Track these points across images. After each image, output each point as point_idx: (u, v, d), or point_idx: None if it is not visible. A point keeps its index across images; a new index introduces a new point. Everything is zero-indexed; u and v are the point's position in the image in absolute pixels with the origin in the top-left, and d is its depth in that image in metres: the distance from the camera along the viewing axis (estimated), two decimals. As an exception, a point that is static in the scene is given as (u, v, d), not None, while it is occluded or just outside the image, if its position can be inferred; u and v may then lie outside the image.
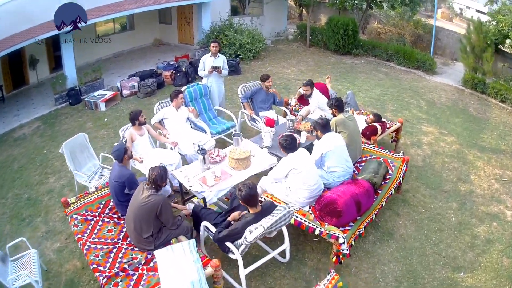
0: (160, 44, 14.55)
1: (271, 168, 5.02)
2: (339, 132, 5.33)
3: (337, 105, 5.48)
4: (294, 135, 4.77)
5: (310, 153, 4.79)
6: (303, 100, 7.09)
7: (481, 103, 10.05)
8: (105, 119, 8.78)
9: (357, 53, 13.62)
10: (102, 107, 9.27)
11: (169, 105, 6.27)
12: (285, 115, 7.34)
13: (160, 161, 5.63)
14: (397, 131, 6.85)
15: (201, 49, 12.49)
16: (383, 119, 6.68)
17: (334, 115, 5.57)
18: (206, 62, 7.10)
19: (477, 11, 22.57)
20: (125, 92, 9.93)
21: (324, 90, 7.11)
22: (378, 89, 10.58)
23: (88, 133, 7.23)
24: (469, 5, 22.85)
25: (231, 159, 4.90)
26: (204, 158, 4.85)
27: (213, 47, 7.02)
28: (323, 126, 4.88)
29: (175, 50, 13.54)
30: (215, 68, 6.95)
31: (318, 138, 4.97)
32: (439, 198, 5.91)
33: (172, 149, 5.87)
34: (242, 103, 6.92)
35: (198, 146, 5.95)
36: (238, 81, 10.73)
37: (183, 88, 6.76)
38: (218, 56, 7.17)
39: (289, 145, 4.47)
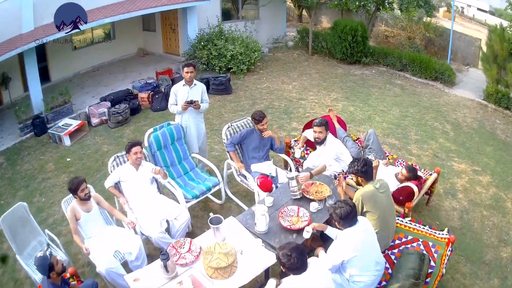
0: (145, 54, 12.91)
1: (267, 273, 3.44)
2: (365, 212, 3.72)
3: (365, 172, 3.79)
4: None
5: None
6: (311, 143, 5.44)
7: (506, 122, 8.84)
8: (68, 159, 7.19)
9: (367, 62, 11.97)
10: (67, 141, 7.68)
11: (128, 161, 4.64)
12: (286, 165, 5.69)
13: (115, 247, 4.09)
14: (432, 183, 5.24)
15: (187, 61, 10.86)
16: (418, 173, 5.03)
17: (358, 184, 3.94)
18: (179, 94, 5.36)
19: (479, 9, 21.26)
20: (94, 120, 8.32)
21: (331, 129, 5.44)
22: (396, 109, 8.96)
23: (48, 178, 6.44)
24: (470, 3, 21.56)
25: (207, 266, 3.31)
26: (165, 266, 3.26)
27: (186, 72, 5.23)
28: (344, 217, 3.25)
29: (160, 62, 11.91)
30: (191, 102, 5.24)
31: (339, 223, 3.34)
32: (481, 276, 4.47)
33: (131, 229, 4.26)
34: (227, 152, 5.27)
35: (167, 222, 4.39)
36: (229, 102, 9.12)
37: (147, 134, 5.13)
38: (195, 84, 5.41)
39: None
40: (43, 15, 8.39)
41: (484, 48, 10.44)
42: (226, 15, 12.67)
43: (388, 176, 4.87)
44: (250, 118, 5.38)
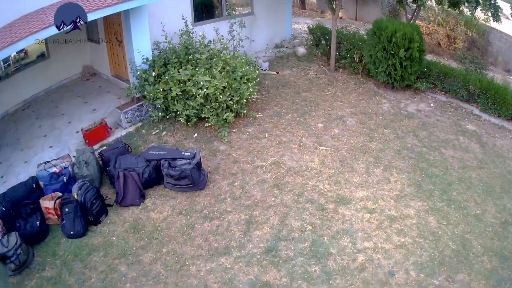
0: (92, 75, 8.58)
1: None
2: None
3: None
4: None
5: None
6: None
7: None
8: None
9: (419, 88, 7.81)
10: None
11: None
12: None
13: None
14: None
15: (131, 107, 6.69)
16: None
17: None
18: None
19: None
20: None
21: None
22: (490, 205, 5.18)
23: None
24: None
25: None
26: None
27: None
28: None
29: (103, 93, 7.68)
30: None
31: None
32: None
33: None
34: None
35: None
36: (199, 220, 5.06)
37: None
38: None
39: None
40: None
41: None
42: (201, 12, 8.22)
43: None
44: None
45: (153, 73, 6.49)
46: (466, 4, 7.84)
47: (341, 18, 14.25)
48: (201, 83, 6.06)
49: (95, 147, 6.06)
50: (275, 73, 8.38)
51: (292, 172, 5.64)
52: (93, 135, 6.12)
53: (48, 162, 5.44)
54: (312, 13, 15.00)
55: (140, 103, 6.75)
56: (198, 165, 5.19)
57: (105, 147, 5.95)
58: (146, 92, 6.42)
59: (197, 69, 6.27)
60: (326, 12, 14.85)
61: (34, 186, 5.04)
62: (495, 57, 12.14)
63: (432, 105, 7.56)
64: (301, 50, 9.24)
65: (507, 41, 11.15)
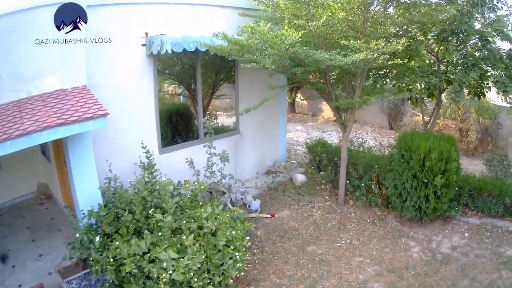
0: (46, 198, 6.99)
1: None
2: None
3: None
4: None
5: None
6: None
7: None
8: None
9: (452, 216, 6.22)
10: None
11: None
12: None
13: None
14: None
15: (77, 275, 4.67)
16: None
17: None
18: None
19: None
20: None
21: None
22: None
23: None
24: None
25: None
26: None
27: None
28: None
29: (58, 227, 6.00)
30: None
31: None
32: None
33: None
34: None
35: None
36: None
37: None
38: None
39: None
40: None
41: None
42: (172, 132, 6.41)
43: None
44: None
45: (98, 238, 4.37)
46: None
47: (329, 119, 13.02)
48: (167, 260, 3.94)
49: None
50: (270, 216, 6.39)
51: None
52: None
53: None
54: (302, 117, 13.81)
55: (88, 270, 4.75)
56: None
57: None
58: (92, 260, 4.33)
59: (158, 240, 4.16)
60: (318, 115, 13.54)
61: None
62: (506, 140, 10.69)
63: (466, 234, 5.95)
64: (300, 178, 7.43)
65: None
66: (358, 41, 4.97)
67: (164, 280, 4.01)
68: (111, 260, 4.26)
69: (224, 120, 7.36)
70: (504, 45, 6.32)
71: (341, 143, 6.95)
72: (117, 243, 4.28)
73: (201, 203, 5.01)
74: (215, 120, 7.17)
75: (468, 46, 6.41)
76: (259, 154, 7.79)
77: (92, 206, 4.69)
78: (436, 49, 6.85)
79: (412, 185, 5.74)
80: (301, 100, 14.40)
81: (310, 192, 7.21)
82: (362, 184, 6.68)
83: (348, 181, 6.83)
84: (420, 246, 5.70)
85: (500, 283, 4.90)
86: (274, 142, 8.16)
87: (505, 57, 6.16)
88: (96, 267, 4.38)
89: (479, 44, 6.19)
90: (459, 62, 6.49)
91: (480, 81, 6.52)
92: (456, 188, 6.10)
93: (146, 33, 5.54)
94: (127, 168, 5.36)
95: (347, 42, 5.00)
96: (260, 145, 7.77)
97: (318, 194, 7.17)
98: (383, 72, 7.10)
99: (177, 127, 6.70)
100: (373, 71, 6.93)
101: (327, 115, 13.35)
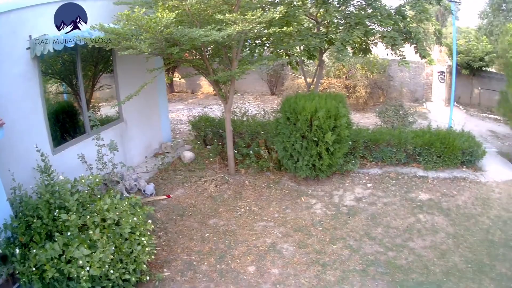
0: None
1: None
2: None
3: None
4: None
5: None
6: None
7: None
8: None
9: (350, 169, 6.80)
10: None
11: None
12: None
13: None
14: None
15: None
16: None
17: None
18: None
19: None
20: None
21: None
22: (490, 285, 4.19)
23: None
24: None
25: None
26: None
27: None
28: None
29: None
30: None
31: None
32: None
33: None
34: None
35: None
36: None
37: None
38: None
39: None
40: None
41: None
42: (61, 131, 6.35)
43: None
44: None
45: (17, 250, 4.41)
46: (391, 45, 6.71)
47: (209, 93, 13.39)
48: (80, 261, 4.26)
49: None
50: (165, 197, 6.41)
51: None
52: None
53: None
54: (182, 95, 13.69)
55: (18, 284, 4.54)
56: None
57: None
58: (18, 273, 4.31)
59: (69, 240, 4.42)
60: (198, 91, 13.96)
61: None
62: (399, 90, 11.73)
63: (369, 185, 6.48)
64: (188, 155, 7.47)
65: (411, 68, 9.63)
66: (234, 14, 5.10)
67: (84, 278, 4.27)
68: (34, 269, 4.28)
69: (108, 110, 7.37)
70: (392, 2, 6.74)
71: (224, 115, 7.06)
72: (34, 250, 4.38)
73: (99, 196, 5.25)
74: (99, 112, 7.19)
75: (352, 6, 6.79)
76: (145, 138, 7.71)
77: (5, 219, 4.48)
78: (315, 13, 7.13)
79: (302, 145, 6.01)
80: (179, 79, 14.33)
81: (200, 167, 7.26)
82: (251, 152, 6.89)
83: (236, 151, 7.02)
84: (322, 203, 6.02)
85: (420, 226, 5.30)
86: (157, 124, 8.16)
87: (393, 13, 6.60)
88: (23, 279, 4.27)
89: (364, 3, 6.58)
90: (341, 22, 6.77)
91: (365, 38, 6.92)
92: (350, 142, 6.52)
93: (30, 36, 5.24)
94: (27, 174, 5.15)
95: (222, 17, 5.13)
96: (144, 129, 7.69)
97: (208, 168, 7.28)
98: (259, 41, 7.21)
99: (64, 125, 6.42)
100: (249, 41, 7.01)
101: (206, 90, 13.52)
